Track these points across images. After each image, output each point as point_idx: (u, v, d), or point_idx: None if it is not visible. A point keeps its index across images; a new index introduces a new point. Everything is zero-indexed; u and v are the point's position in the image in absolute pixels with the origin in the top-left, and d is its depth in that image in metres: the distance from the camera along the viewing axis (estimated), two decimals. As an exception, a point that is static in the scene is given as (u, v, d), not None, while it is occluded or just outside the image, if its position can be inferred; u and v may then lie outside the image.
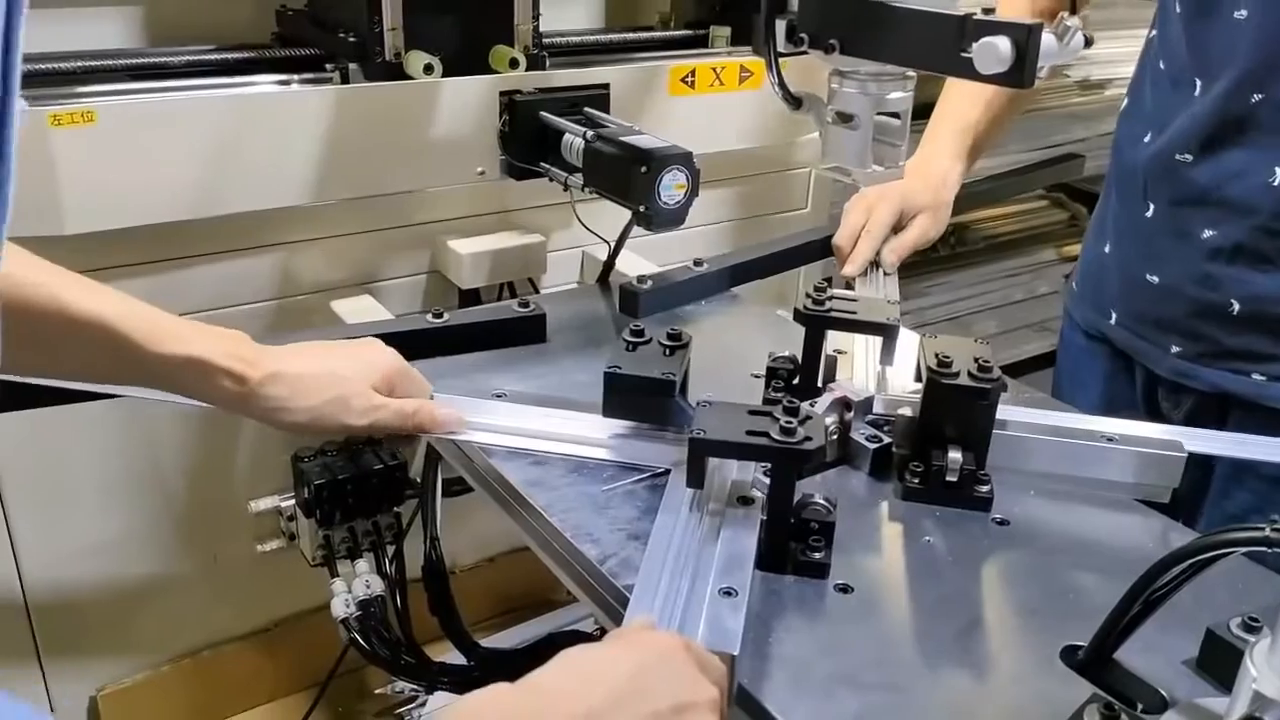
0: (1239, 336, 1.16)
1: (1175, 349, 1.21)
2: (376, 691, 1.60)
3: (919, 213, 1.37)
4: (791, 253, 1.47)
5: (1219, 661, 0.73)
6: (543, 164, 1.39)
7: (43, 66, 1.28)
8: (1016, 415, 1.00)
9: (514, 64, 1.44)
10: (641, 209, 1.21)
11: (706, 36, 1.74)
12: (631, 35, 1.71)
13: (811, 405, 0.98)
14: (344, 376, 0.93)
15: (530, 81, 1.39)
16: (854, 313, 1.04)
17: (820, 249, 1.45)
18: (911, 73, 0.87)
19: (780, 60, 0.90)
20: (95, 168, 1.18)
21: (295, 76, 1.40)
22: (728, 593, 0.74)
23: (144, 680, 1.50)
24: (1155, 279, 1.21)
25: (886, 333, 1.04)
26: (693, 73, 1.54)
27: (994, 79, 0.73)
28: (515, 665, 1.45)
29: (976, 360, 0.94)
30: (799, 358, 1.08)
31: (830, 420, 0.98)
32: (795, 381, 1.07)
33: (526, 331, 1.22)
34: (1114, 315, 1.29)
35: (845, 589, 0.82)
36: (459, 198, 1.51)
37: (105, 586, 1.44)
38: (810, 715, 0.69)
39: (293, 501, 1.44)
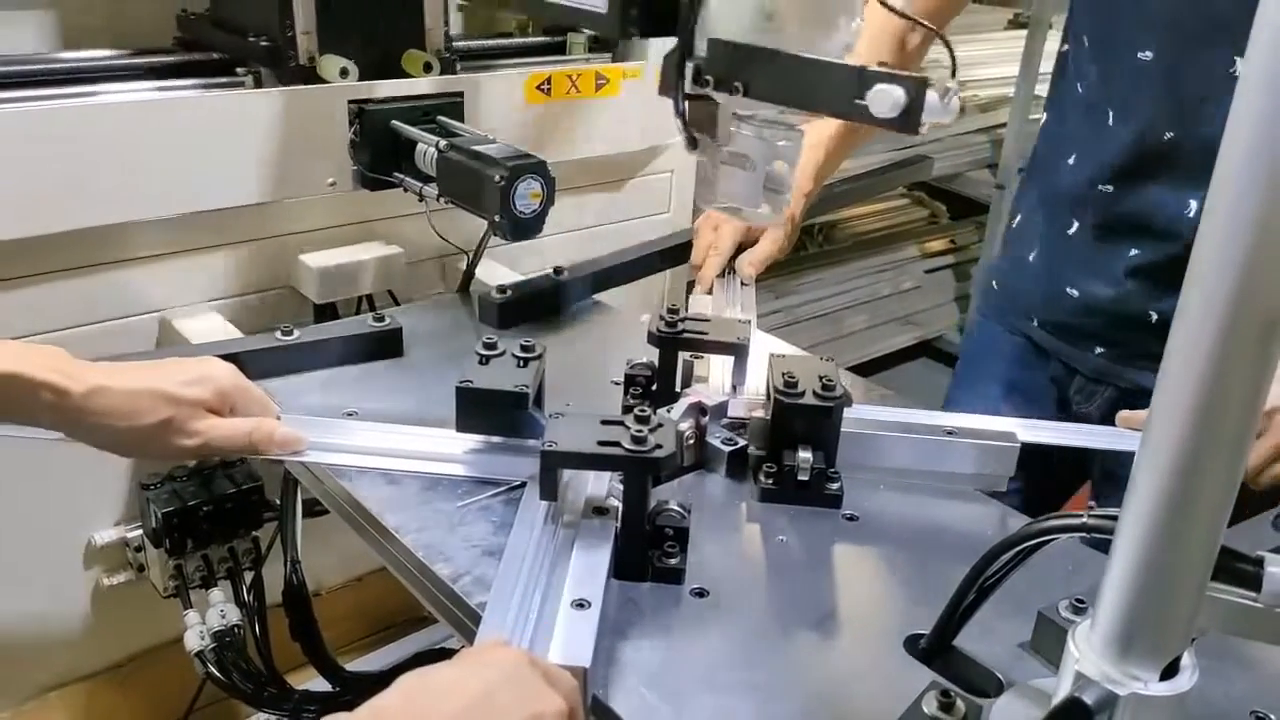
0: (1162, 342, 1.22)
1: (1099, 350, 1.27)
2: (242, 724, 1.55)
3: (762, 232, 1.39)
4: (653, 257, 1.48)
5: (1050, 643, 0.77)
6: (396, 174, 1.36)
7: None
8: (864, 414, 1.03)
9: (428, 68, 1.43)
10: (497, 218, 1.20)
11: (564, 44, 1.74)
12: (487, 42, 1.70)
13: (668, 411, 0.99)
14: (173, 396, 0.87)
15: (380, 90, 1.36)
16: (705, 334, 1.06)
17: (682, 252, 1.47)
18: (802, 125, 0.91)
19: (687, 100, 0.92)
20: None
21: (200, 81, 1.38)
22: (580, 605, 0.74)
23: (-15, 729, 1.40)
24: (1075, 292, 1.27)
25: (738, 352, 1.06)
26: (548, 80, 1.53)
27: (886, 123, 0.77)
28: (383, 687, 1.42)
29: (821, 380, 0.96)
30: (656, 364, 1.08)
31: (686, 425, 0.99)
32: (653, 387, 1.08)
33: (382, 346, 1.19)
34: (1035, 319, 1.34)
35: (701, 593, 0.83)
36: (314, 210, 1.46)
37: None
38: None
39: (139, 531, 1.37)
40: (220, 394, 0.91)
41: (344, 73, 1.36)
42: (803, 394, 0.95)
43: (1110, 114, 1.19)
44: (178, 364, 0.93)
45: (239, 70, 1.42)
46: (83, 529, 1.39)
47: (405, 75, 1.43)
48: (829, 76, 0.79)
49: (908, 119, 0.76)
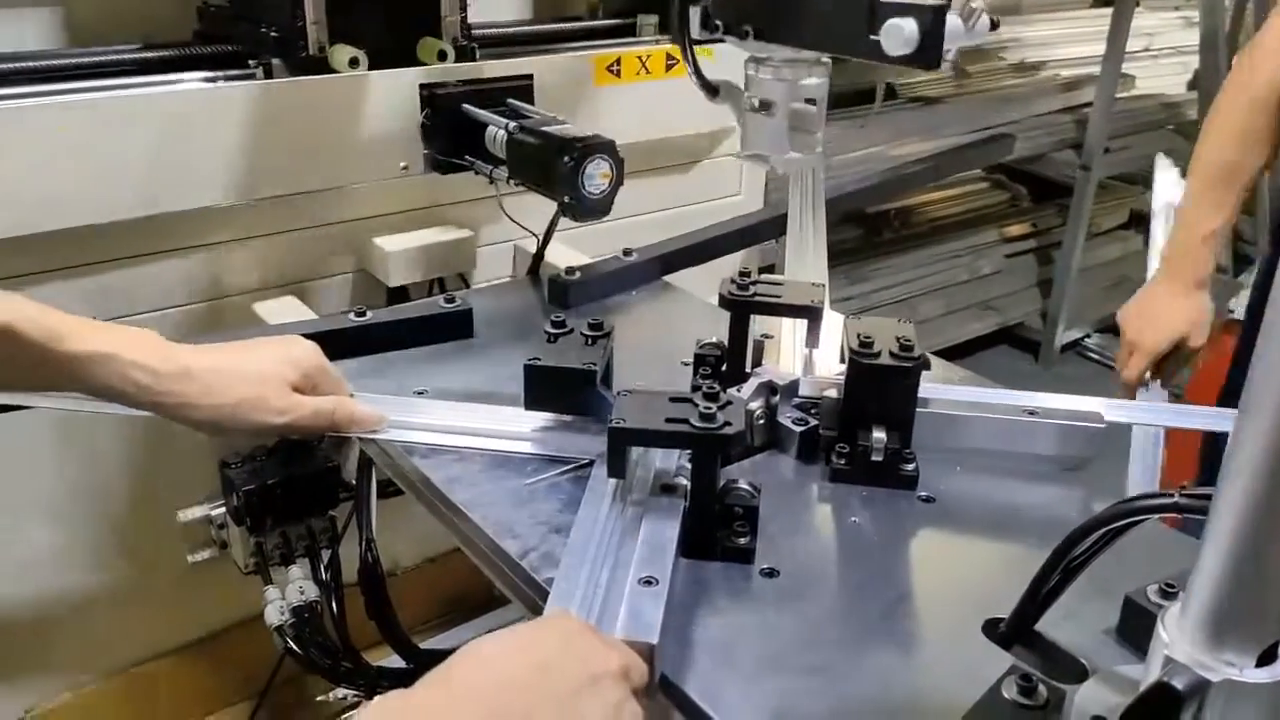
0: None
1: None
2: (317, 699, 1.58)
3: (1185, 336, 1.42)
4: (723, 239, 1.46)
5: (1138, 629, 0.74)
6: (467, 157, 1.37)
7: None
8: (941, 393, 1.00)
9: (442, 56, 1.42)
10: (566, 199, 1.20)
11: (634, 25, 1.73)
12: (557, 25, 1.70)
13: (738, 390, 0.97)
14: (260, 374, 0.90)
15: (452, 74, 1.37)
16: (778, 296, 1.04)
17: (751, 235, 1.45)
18: (826, 58, 0.87)
19: (696, 48, 0.90)
20: (11, 170, 1.14)
21: (218, 73, 1.37)
22: (648, 582, 0.74)
23: (75, 699, 1.46)
24: None
25: (811, 315, 1.03)
26: (618, 62, 1.52)
27: (902, 60, 0.73)
28: (457, 665, 1.43)
29: (899, 340, 0.94)
30: (726, 343, 1.07)
31: (756, 405, 0.97)
32: (723, 368, 1.06)
33: (453, 327, 1.20)
34: None
35: (771, 573, 0.82)
36: (386, 194, 1.48)
37: (32, 604, 1.39)
38: (735, 700, 0.69)
39: (223, 509, 1.41)
40: (304, 373, 0.93)
41: (354, 62, 1.35)
42: (879, 354, 0.92)
43: None
44: (265, 343, 0.95)
45: (251, 62, 1.41)
46: (170, 507, 1.43)
47: (420, 63, 1.42)
48: (838, 13, 0.75)
49: (927, 53, 0.71)
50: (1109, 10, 3.40)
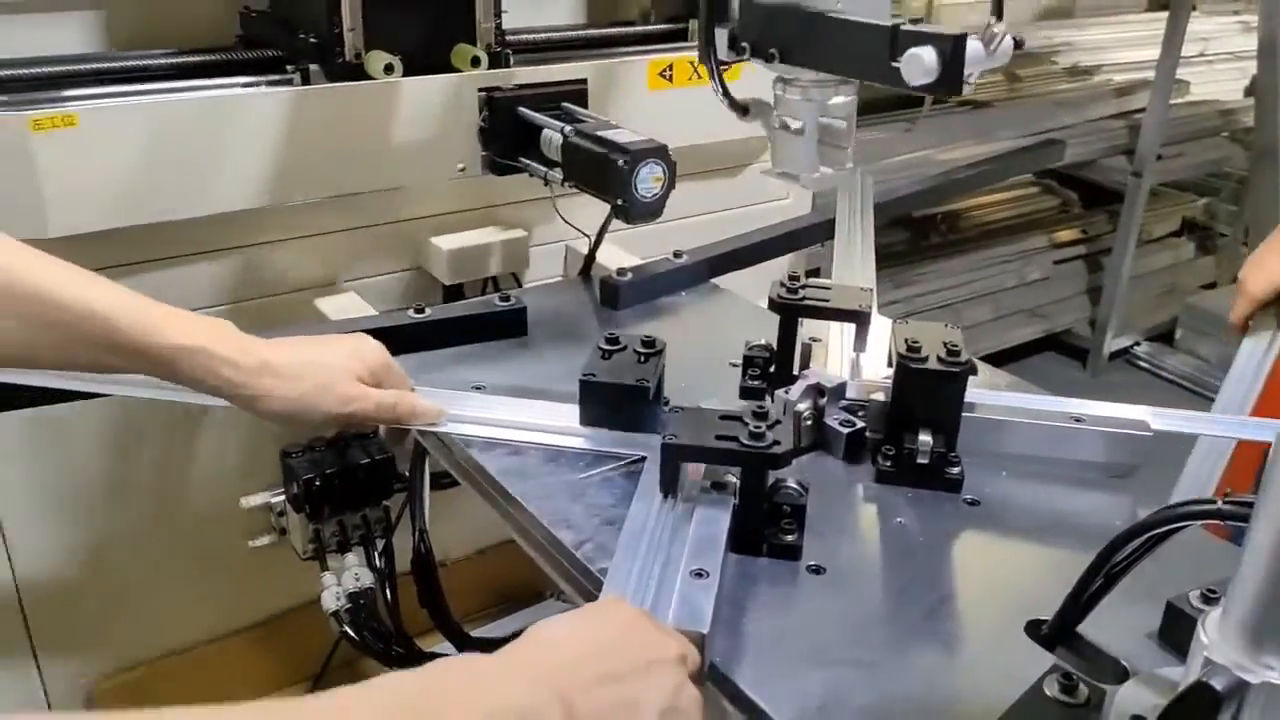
0: None
1: None
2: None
3: None
4: (771, 242, 1.48)
5: (1179, 632, 0.75)
6: (522, 159, 1.40)
7: (20, 72, 1.29)
8: (988, 399, 1.01)
9: (475, 62, 1.44)
10: (619, 202, 1.23)
11: (686, 30, 1.75)
12: (610, 30, 1.73)
13: (786, 392, 1.00)
14: (329, 365, 0.94)
15: (509, 78, 1.41)
16: (827, 301, 1.06)
17: (798, 239, 1.47)
18: None
19: (724, 67, 0.92)
20: (77, 170, 1.20)
21: (259, 78, 1.40)
22: (699, 574, 0.76)
23: (138, 676, 1.52)
24: None
25: (859, 319, 1.05)
26: (670, 67, 1.55)
27: (924, 89, 0.74)
28: (505, 654, 1.47)
29: (945, 345, 0.95)
30: (775, 346, 1.09)
31: (804, 406, 0.99)
32: (771, 369, 1.08)
33: (508, 325, 1.24)
34: None
35: (818, 570, 0.84)
36: (442, 194, 1.52)
37: (98, 582, 1.45)
38: (781, 691, 0.71)
39: (282, 497, 1.46)
40: (370, 368, 0.98)
41: (389, 69, 1.38)
42: (926, 359, 0.93)
43: None
44: (335, 340, 1.00)
45: (289, 68, 1.43)
46: (232, 494, 1.49)
47: (454, 70, 1.43)
48: (861, 39, 0.75)
49: (948, 81, 0.72)
50: (1164, 14, 3.35)
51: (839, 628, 0.78)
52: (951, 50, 0.70)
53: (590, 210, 1.42)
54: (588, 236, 1.47)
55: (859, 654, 0.75)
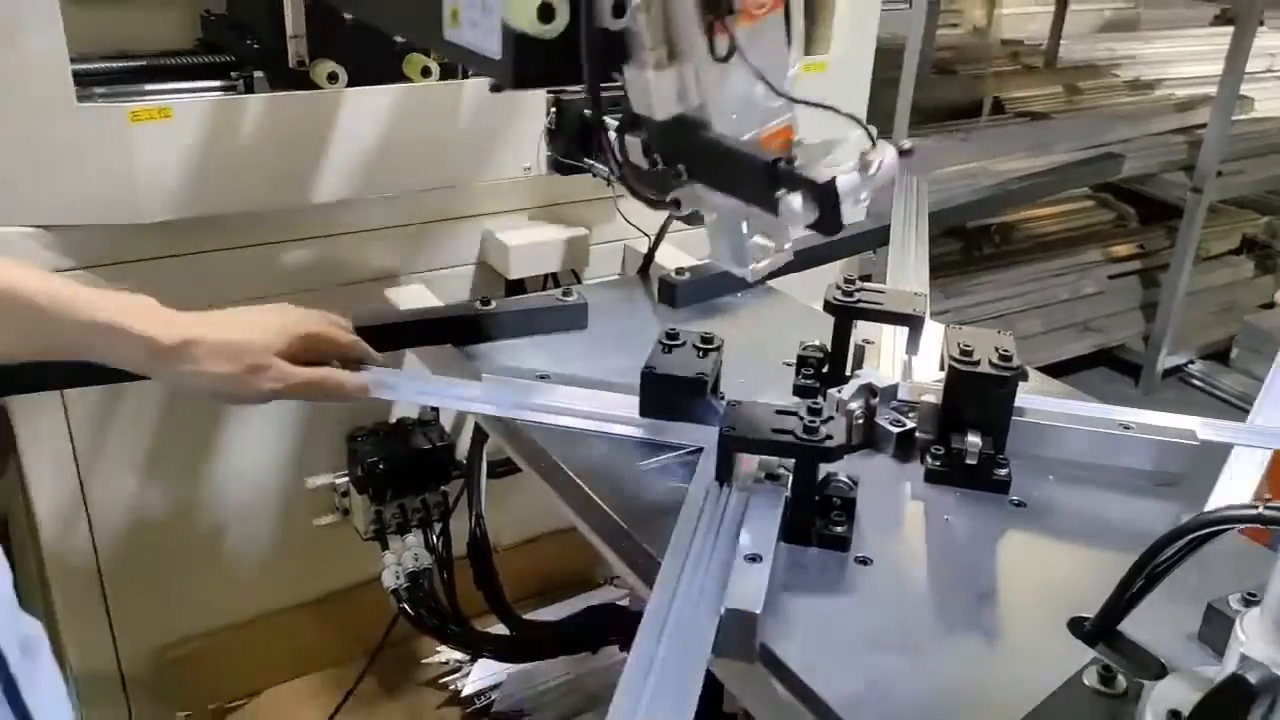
0: None
1: None
2: (423, 661, 1.68)
3: None
4: (823, 248, 1.51)
5: (1219, 634, 0.77)
6: (586, 160, 1.45)
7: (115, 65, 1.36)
8: (1037, 404, 1.04)
9: (425, 72, 1.46)
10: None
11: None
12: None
13: (839, 391, 1.03)
14: (251, 345, 0.94)
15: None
16: (881, 304, 1.09)
17: (850, 245, 1.50)
18: None
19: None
20: (170, 161, 1.27)
21: (213, 83, 1.43)
22: (753, 559, 0.80)
23: (206, 643, 1.59)
24: None
25: (912, 323, 1.08)
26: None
27: (809, 227, 0.73)
28: (556, 636, 1.52)
29: (998, 350, 0.98)
30: (828, 347, 1.13)
31: (856, 405, 1.02)
32: (824, 370, 1.12)
33: (569, 319, 1.28)
34: None
35: (865, 561, 0.87)
36: (506, 192, 1.57)
37: (174, 551, 1.52)
38: (829, 671, 0.74)
39: (347, 479, 1.52)
40: (297, 340, 0.98)
41: (332, 77, 1.38)
42: (979, 363, 0.96)
43: None
44: (258, 312, 0.99)
45: (233, 74, 1.44)
46: (298, 474, 1.55)
47: (406, 79, 1.44)
48: (746, 168, 0.74)
49: (826, 223, 0.71)
50: (1230, 29, 3.32)
51: (886, 616, 0.81)
52: (822, 197, 0.69)
53: (649, 210, 1.46)
54: (647, 236, 1.52)
55: (904, 640, 0.79)
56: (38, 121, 1.20)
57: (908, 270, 1.40)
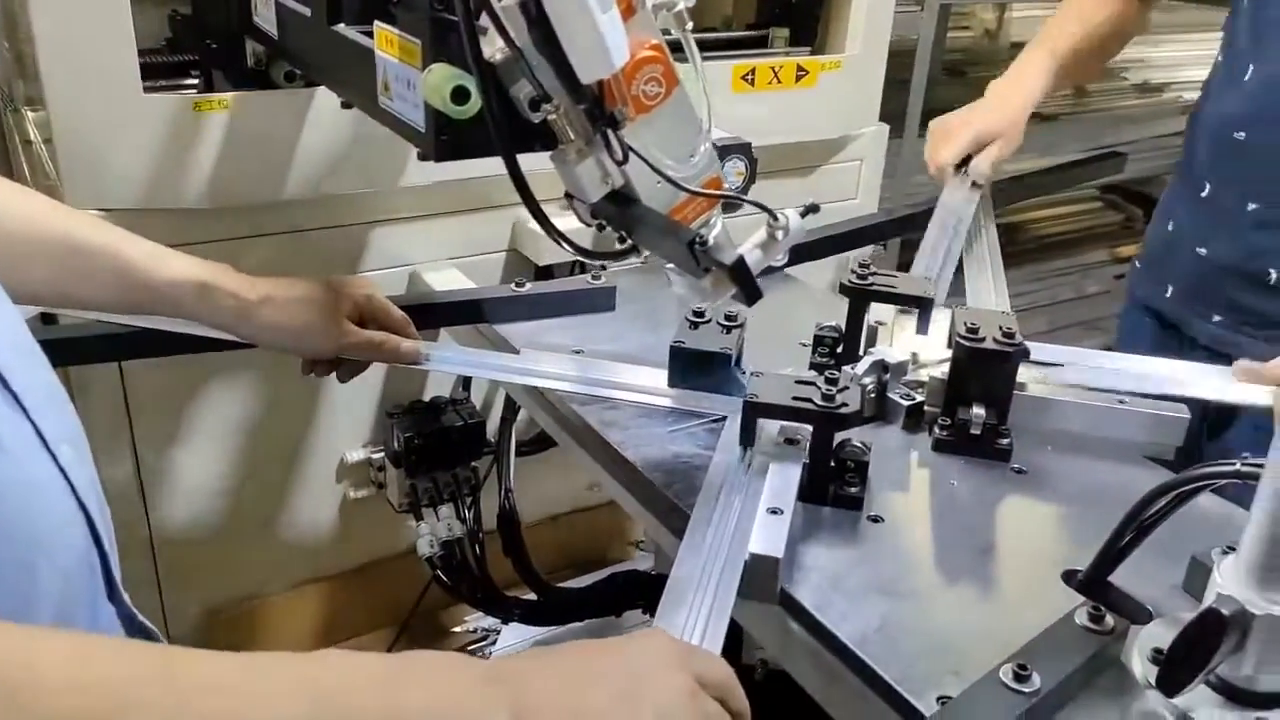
0: (1276, 303, 1.28)
1: (1217, 318, 1.34)
2: (453, 630, 1.76)
3: (994, 139, 1.50)
4: (841, 238, 1.59)
5: (1201, 584, 0.84)
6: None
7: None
8: (1038, 374, 1.11)
9: None
10: (702, 192, 1.34)
11: (766, 38, 1.86)
12: (695, 36, 1.84)
13: (853, 368, 1.11)
14: (324, 301, 1.04)
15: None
16: (894, 287, 1.17)
17: (864, 236, 1.57)
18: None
19: None
20: (229, 150, 1.35)
21: (168, 82, 1.46)
22: (775, 511, 0.87)
23: (248, 608, 1.67)
24: (1204, 251, 1.37)
25: (922, 305, 1.16)
26: (753, 71, 1.66)
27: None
28: (582, 602, 1.60)
29: (1002, 329, 1.05)
30: (843, 328, 1.20)
31: (869, 380, 1.10)
32: (839, 349, 1.19)
33: (598, 301, 1.36)
34: (1169, 289, 1.45)
35: (877, 519, 0.95)
36: (537, 183, 1.64)
37: (218, 521, 1.60)
38: (843, 610, 0.82)
39: (382, 454, 1.60)
40: (358, 307, 1.07)
41: (289, 77, 1.42)
42: (984, 340, 1.04)
43: (1250, 68, 1.30)
44: (327, 279, 1.09)
45: (192, 73, 1.47)
46: (336, 449, 1.63)
47: None
48: (672, 236, 0.85)
49: (746, 295, 0.84)
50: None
51: (895, 566, 0.89)
52: (735, 275, 0.81)
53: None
54: (670, 226, 1.59)
55: (912, 587, 0.86)
56: (110, 110, 1.28)
57: (988, 285, 1.44)
